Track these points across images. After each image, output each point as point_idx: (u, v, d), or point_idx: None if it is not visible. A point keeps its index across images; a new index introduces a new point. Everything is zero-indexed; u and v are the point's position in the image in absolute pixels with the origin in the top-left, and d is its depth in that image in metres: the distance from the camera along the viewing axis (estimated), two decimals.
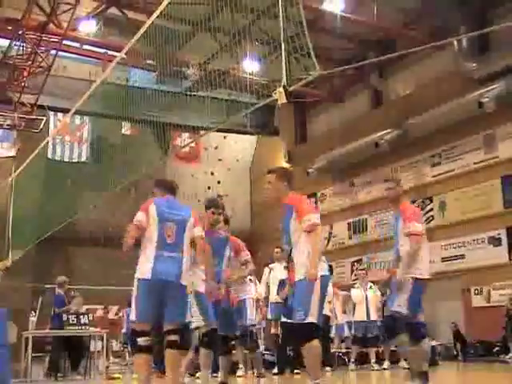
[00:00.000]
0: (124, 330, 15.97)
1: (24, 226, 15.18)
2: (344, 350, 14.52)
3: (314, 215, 5.50)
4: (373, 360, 12.80)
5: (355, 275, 14.97)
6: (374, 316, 12.87)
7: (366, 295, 12.95)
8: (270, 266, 12.14)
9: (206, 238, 5.98)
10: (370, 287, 13.19)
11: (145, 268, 5.43)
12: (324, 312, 11.99)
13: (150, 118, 15.31)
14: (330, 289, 12.49)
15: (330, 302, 12.38)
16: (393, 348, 12.80)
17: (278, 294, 11.20)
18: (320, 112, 22.25)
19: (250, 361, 11.12)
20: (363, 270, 15.69)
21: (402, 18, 17.35)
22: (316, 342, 5.27)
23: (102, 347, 12.67)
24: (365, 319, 12.82)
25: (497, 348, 14.86)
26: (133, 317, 5.52)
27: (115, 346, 17.00)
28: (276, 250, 12.68)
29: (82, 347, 11.79)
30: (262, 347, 12.14)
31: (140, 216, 5.55)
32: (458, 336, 15.72)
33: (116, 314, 17.91)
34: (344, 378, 11.12)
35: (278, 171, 5.97)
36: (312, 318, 5.27)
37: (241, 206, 25.17)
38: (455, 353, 15.70)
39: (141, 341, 5.43)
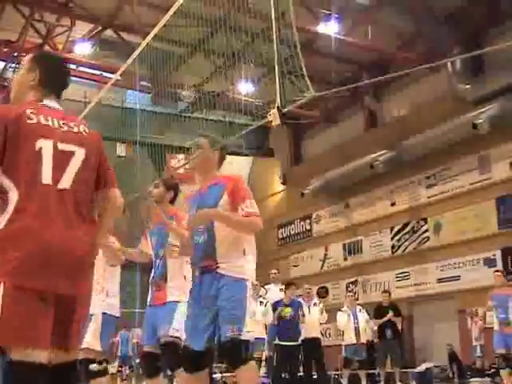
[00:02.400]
0: (119, 353, 15.91)
1: None
2: (339, 372, 14.48)
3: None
4: (363, 383, 12.76)
5: (346, 296, 14.93)
6: (363, 339, 12.86)
7: (356, 318, 12.91)
8: (265, 287, 12.12)
9: None
10: (360, 310, 13.17)
11: None
12: (316, 335, 12.06)
13: (146, 140, 15.34)
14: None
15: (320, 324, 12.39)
16: (388, 370, 12.77)
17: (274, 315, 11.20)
18: (315, 133, 22.32)
19: None
20: (352, 292, 15.73)
21: (397, 41, 17.49)
22: None
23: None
24: (354, 342, 12.79)
25: (492, 370, 14.78)
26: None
27: (110, 368, 16.87)
28: (273, 271, 12.69)
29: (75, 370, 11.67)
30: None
31: None
32: (453, 358, 15.65)
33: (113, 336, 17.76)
34: None
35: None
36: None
37: None
38: (451, 375, 15.62)
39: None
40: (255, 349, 11.46)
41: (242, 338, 3.92)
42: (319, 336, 12.04)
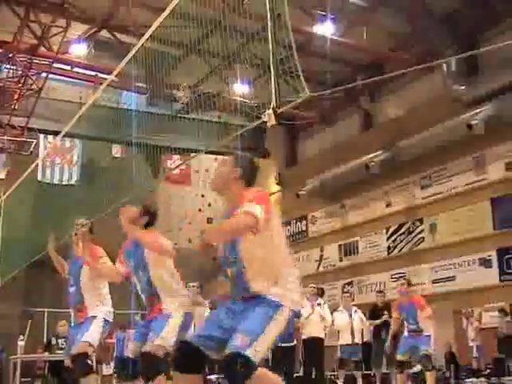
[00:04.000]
0: (116, 354, 15.81)
1: (13, 250, 15.07)
2: (334, 373, 14.47)
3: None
4: (359, 383, 12.77)
5: (342, 297, 14.95)
6: (358, 340, 12.88)
7: (352, 319, 12.93)
8: None
9: None
10: (355, 311, 13.18)
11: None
12: (318, 335, 12.05)
13: (141, 141, 15.33)
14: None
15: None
16: (384, 371, 12.77)
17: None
18: (310, 135, 22.32)
19: None
20: (348, 293, 15.74)
21: (392, 42, 17.49)
22: None
23: None
24: (350, 343, 12.79)
25: (488, 370, 14.80)
26: None
27: (105, 369, 16.82)
28: None
29: (72, 371, 11.65)
30: None
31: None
32: (450, 358, 15.64)
33: (110, 337, 17.73)
34: None
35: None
36: None
37: None
38: (448, 375, 15.62)
39: None
40: None
41: (247, 353, 3.45)
42: (322, 336, 11.99)
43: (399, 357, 10.02)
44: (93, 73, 17.31)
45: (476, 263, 15.95)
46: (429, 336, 9.99)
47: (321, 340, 12.02)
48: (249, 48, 13.16)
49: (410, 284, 10.79)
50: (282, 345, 10.94)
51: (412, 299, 10.22)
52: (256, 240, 3.71)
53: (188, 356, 3.79)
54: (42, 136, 19.00)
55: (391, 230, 18.45)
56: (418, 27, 16.35)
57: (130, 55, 6.98)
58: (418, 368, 11.24)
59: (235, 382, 3.49)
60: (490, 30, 15.81)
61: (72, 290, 6.73)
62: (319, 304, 12.26)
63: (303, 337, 11.58)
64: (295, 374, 12.09)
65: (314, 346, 11.81)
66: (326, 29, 16.02)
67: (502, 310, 14.57)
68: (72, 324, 6.91)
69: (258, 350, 3.51)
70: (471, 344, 15.38)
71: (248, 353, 3.46)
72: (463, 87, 15.94)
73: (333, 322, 12.97)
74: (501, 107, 15.12)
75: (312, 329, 11.74)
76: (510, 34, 14.72)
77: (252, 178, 4.02)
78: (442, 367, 15.75)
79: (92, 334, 6.45)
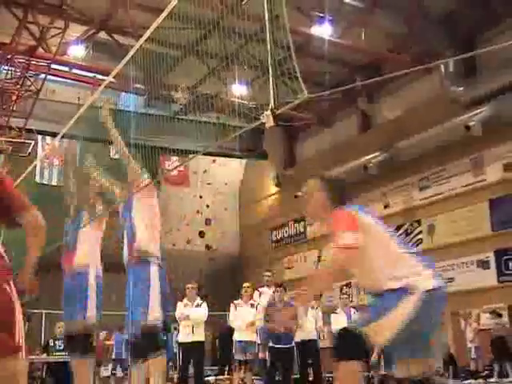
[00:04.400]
0: (113, 357, 15.82)
1: (11, 252, 15.06)
2: (332, 375, 14.46)
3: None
4: None
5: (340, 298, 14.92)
6: None
7: (350, 320, 12.89)
8: (259, 289, 12.11)
9: None
10: (354, 313, 13.15)
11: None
12: (313, 337, 12.07)
13: (139, 142, 15.30)
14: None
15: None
16: (382, 372, 12.75)
17: (265, 319, 11.19)
18: (308, 136, 22.33)
19: None
20: (346, 295, 15.74)
21: (390, 43, 17.50)
22: None
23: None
24: None
25: (486, 371, 14.82)
26: None
27: (103, 371, 16.81)
28: (266, 273, 12.66)
29: (70, 373, 11.65)
30: None
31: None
32: (449, 359, 15.65)
33: (107, 339, 17.70)
34: None
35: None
36: None
37: (229, 229, 25.18)
38: (446, 376, 15.62)
39: None
40: (247, 351, 11.54)
41: None
42: (316, 338, 12.03)
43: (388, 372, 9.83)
44: (91, 74, 17.31)
45: (474, 264, 15.96)
46: None
47: (315, 342, 12.04)
48: (247, 49, 13.16)
49: None
50: (281, 346, 10.96)
51: None
52: (360, 256, 3.86)
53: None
54: (40, 137, 19.00)
55: None
56: (416, 28, 16.36)
57: (128, 56, 6.97)
58: None
59: None
60: (487, 30, 15.84)
61: None
62: (313, 307, 12.28)
63: (296, 339, 11.57)
64: (293, 376, 12.08)
65: (309, 348, 11.83)
66: (324, 30, 16.05)
67: (493, 312, 14.62)
68: None
69: None
70: (469, 345, 15.39)
71: None
72: (461, 88, 15.96)
73: (331, 323, 12.98)
74: (499, 108, 15.14)
75: (306, 331, 11.76)
76: (508, 35, 14.72)
77: (338, 196, 4.33)
78: (440, 369, 15.76)
79: None
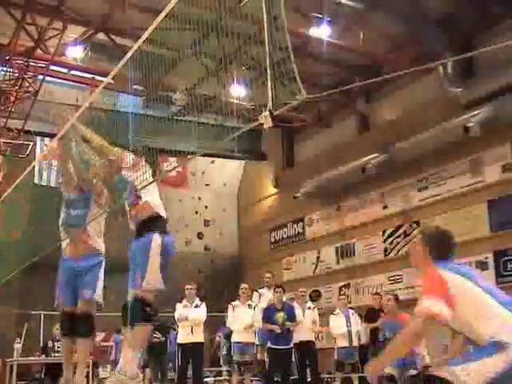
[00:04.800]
0: (113, 358, 15.79)
1: (8, 252, 15.04)
2: (331, 376, 14.47)
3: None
4: None
5: (338, 300, 14.92)
6: (355, 342, 12.86)
7: (349, 321, 12.91)
8: (259, 291, 12.13)
9: None
10: (352, 314, 13.17)
11: None
12: (310, 338, 12.09)
13: (137, 143, 15.29)
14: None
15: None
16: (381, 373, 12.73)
17: (263, 320, 11.19)
18: (307, 137, 22.33)
19: None
20: (344, 295, 15.75)
21: (388, 44, 17.50)
22: None
23: (88, 374, 12.52)
24: (346, 345, 12.78)
25: None
26: None
27: (102, 373, 16.79)
28: (267, 275, 12.68)
29: None
30: None
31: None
32: None
33: (105, 340, 17.69)
34: None
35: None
36: None
37: (228, 230, 25.17)
38: None
39: None
40: (245, 352, 11.54)
41: None
42: (313, 339, 12.07)
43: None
44: (89, 75, 17.30)
45: (473, 265, 15.94)
46: (417, 355, 9.56)
47: (312, 343, 12.06)
48: (245, 50, 13.16)
49: (397, 300, 10.60)
50: (280, 348, 10.96)
51: (397, 318, 9.91)
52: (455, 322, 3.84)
53: None
54: (38, 138, 18.97)
55: (388, 233, 18.45)
56: (415, 29, 16.36)
57: (126, 58, 6.96)
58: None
59: None
60: (486, 31, 15.83)
61: None
62: (309, 308, 12.30)
63: (295, 341, 11.57)
64: (291, 377, 12.09)
65: (307, 349, 11.84)
66: (322, 31, 16.04)
67: None
68: None
69: None
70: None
71: None
72: (460, 89, 15.96)
73: (329, 324, 13.01)
74: (497, 109, 15.13)
75: (303, 333, 11.77)
76: (507, 36, 14.72)
77: (443, 250, 4.19)
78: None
79: None
